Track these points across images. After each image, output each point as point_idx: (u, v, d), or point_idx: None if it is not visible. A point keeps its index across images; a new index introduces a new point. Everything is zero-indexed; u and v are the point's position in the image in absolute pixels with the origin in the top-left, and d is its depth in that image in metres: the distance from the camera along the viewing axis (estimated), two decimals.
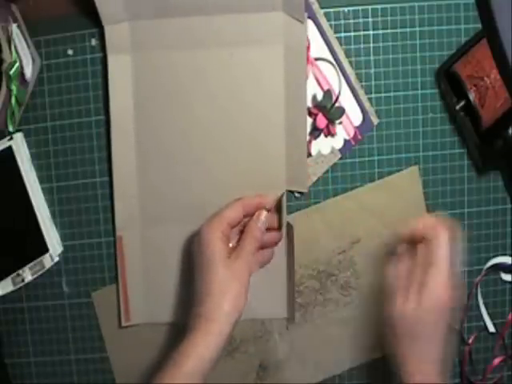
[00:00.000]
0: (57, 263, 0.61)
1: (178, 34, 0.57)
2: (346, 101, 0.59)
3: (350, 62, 0.59)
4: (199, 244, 0.54)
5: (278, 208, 0.59)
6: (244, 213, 0.56)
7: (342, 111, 0.58)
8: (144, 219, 0.60)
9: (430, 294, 0.51)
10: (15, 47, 0.55)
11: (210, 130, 0.59)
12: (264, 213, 0.56)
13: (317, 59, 0.59)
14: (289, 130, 0.58)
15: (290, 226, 0.59)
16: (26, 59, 0.56)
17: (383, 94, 0.60)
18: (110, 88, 0.58)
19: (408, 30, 0.59)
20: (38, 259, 0.60)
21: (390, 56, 0.59)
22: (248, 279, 0.54)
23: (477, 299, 0.63)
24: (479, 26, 0.58)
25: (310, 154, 0.60)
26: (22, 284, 0.61)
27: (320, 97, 0.58)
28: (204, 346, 0.51)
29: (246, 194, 0.58)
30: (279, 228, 0.58)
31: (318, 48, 0.59)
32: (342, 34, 0.59)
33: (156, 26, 0.57)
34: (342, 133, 0.60)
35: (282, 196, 0.58)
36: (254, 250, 0.55)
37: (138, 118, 0.59)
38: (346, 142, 0.60)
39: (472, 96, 0.56)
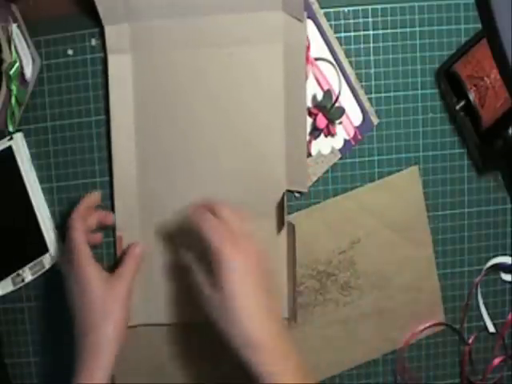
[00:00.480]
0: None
1: (177, 34, 0.57)
2: (346, 101, 0.59)
3: (350, 62, 0.59)
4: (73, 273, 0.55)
5: (280, 208, 0.59)
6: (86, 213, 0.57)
7: (341, 111, 0.58)
8: (144, 219, 0.60)
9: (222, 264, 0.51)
10: (15, 47, 0.55)
11: (210, 129, 0.59)
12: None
13: (317, 59, 0.59)
14: (289, 130, 0.58)
15: (291, 226, 0.59)
16: (25, 59, 0.56)
17: (383, 94, 0.60)
18: (110, 88, 0.58)
19: (408, 30, 0.59)
20: (38, 259, 0.60)
21: (390, 56, 0.59)
22: (129, 299, 0.56)
23: (477, 299, 0.63)
24: (479, 26, 0.58)
25: (309, 154, 0.60)
26: (22, 284, 0.61)
27: (320, 97, 0.58)
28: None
29: (246, 194, 0.57)
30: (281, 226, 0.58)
31: (318, 48, 0.59)
32: (342, 34, 0.59)
33: (156, 26, 0.57)
34: (342, 133, 0.60)
35: (283, 196, 0.58)
36: (136, 271, 0.58)
37: (138, 117, 0.59)
38: (345, 142, 0.60)
39: (472, 96, 0.56)
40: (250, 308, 0.51)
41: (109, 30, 0.57)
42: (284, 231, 0.59)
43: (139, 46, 0.58)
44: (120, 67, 0.58)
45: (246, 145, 0.59)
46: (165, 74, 0.58)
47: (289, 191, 0.60)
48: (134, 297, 0.60)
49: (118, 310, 0.55)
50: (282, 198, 0.59)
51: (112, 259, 0.61)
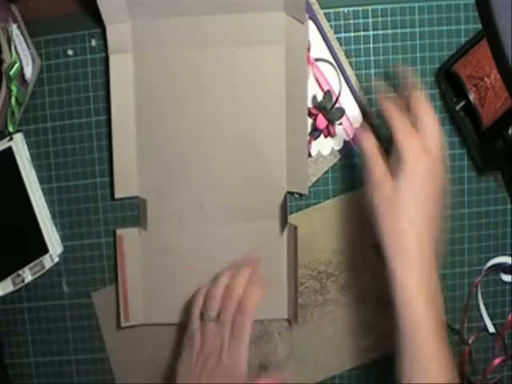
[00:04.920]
0: (57, 264, 0.61)
1: (179, 34, 0.57)
2: (346, 101, 0.59)
3: (350, 63, 0.59)
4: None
5: (281, 210, 0.59)
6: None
7: (341, 112, 0.58)
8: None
9: (405, 165, 0.50)
10: (15, 48, 0.55)
11: (212, 129, 0.58)
12: None
13: (317, 60, 0.59)
14: (289, 132, 0.58)
15: (292, 227, 0.59)
16: (25, 59, 0.56)
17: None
18: (112, 88, 0.58)
19: (408, 30, 0.59)
20: (38, 260, 0.60)
21: (390, 56, 0.59)
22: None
23: (477, 299, 0.63)
24: (479, 26, 0.58)
25: (309, 155, 0.60)
26: (22, 284, 0.61)
27: (320, 97, 0.58)
28: None
29: (247, 195, 0.58)
30: None
31: (318, 48, 0.59)
32: (342, 35, 0.59)
33: (157, 26, 0.57)
34: (342, 134, 0.60)
35: (285, 197, 0.58)
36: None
37: (139, 117, 0.59)
38: (345, 142, 0.60)
39: (472, 96, 0.56)
40: (414, 213, 0.50)
41: (110, 30, 0.57)
42: (285, 233, 0.59)
43: (141, 46, 0.58)
44: (121, 67, 0.58)
45: (247, 145, 0.59)
46: (166, 73, 0.58)
47: (289, 193, 0.60)
48: (134, 297, 0.61)
49: None
50: (284, 200, 0.59)
51: (112, 259, 0.61)
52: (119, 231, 0.60)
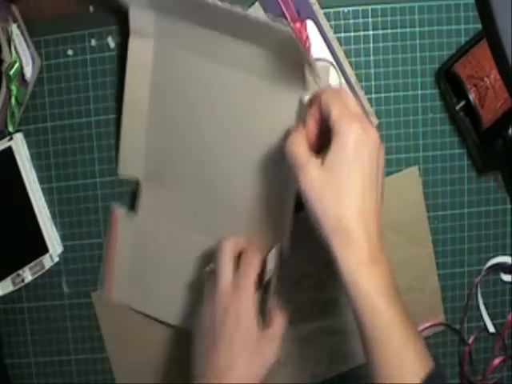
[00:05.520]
0: (57, 263, 0.61)
1: (198, 40, 0.54)
2: None
3: (350, 63, 0.59)
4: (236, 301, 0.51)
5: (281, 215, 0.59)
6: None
7: None
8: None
9: (337, 135, 0.44)
10: (15, 47, 0.55)
11: (219, 134, 0.57)
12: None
13: (317, 59, 0.59)
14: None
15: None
16: (25, 59, 0.56)
17: (383, 95, 0.60)
18: (128, 70, 0.56)
19: (408, 30, 0.59)
20: (38, 259, 0.60)
21: (390, 56, 0.59)
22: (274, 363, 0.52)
23: (477, 299, 0.63)
24: (479, 26, 0.58)
25: None
26: (22, 284, 0.61)
27: None
28: None
29: (246, 201, 0.57)
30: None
31: (318, 48, 0.59)
32: (342, 35, 0.59)
33: (179, 24, 0.54)
34: None
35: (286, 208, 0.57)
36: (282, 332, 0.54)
37: (151, 105, 0.57)
38: None
39: (472, 96, 0.56)
40: (353, 190, 0.44)
41: (133, 12, 0.54)
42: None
43: (161, 35, 0.55)
44: (140, 50, 0.56)
45: (252, 154, 0.56)
46: (184, 69, 0.56)
47: None
48: (121, 274, 0.61)
49: (261, 374, 0.51)
50: (286, 210, 0.58)
51: None
52: (116, 208, 0.60)
